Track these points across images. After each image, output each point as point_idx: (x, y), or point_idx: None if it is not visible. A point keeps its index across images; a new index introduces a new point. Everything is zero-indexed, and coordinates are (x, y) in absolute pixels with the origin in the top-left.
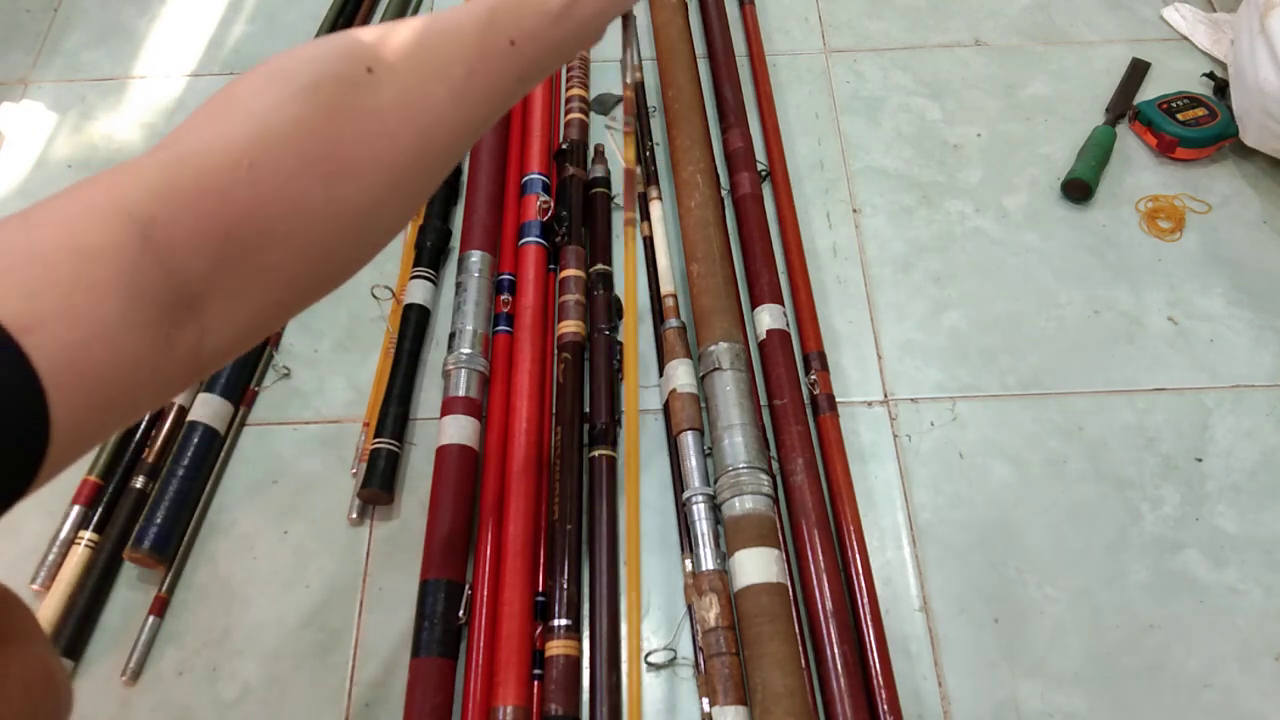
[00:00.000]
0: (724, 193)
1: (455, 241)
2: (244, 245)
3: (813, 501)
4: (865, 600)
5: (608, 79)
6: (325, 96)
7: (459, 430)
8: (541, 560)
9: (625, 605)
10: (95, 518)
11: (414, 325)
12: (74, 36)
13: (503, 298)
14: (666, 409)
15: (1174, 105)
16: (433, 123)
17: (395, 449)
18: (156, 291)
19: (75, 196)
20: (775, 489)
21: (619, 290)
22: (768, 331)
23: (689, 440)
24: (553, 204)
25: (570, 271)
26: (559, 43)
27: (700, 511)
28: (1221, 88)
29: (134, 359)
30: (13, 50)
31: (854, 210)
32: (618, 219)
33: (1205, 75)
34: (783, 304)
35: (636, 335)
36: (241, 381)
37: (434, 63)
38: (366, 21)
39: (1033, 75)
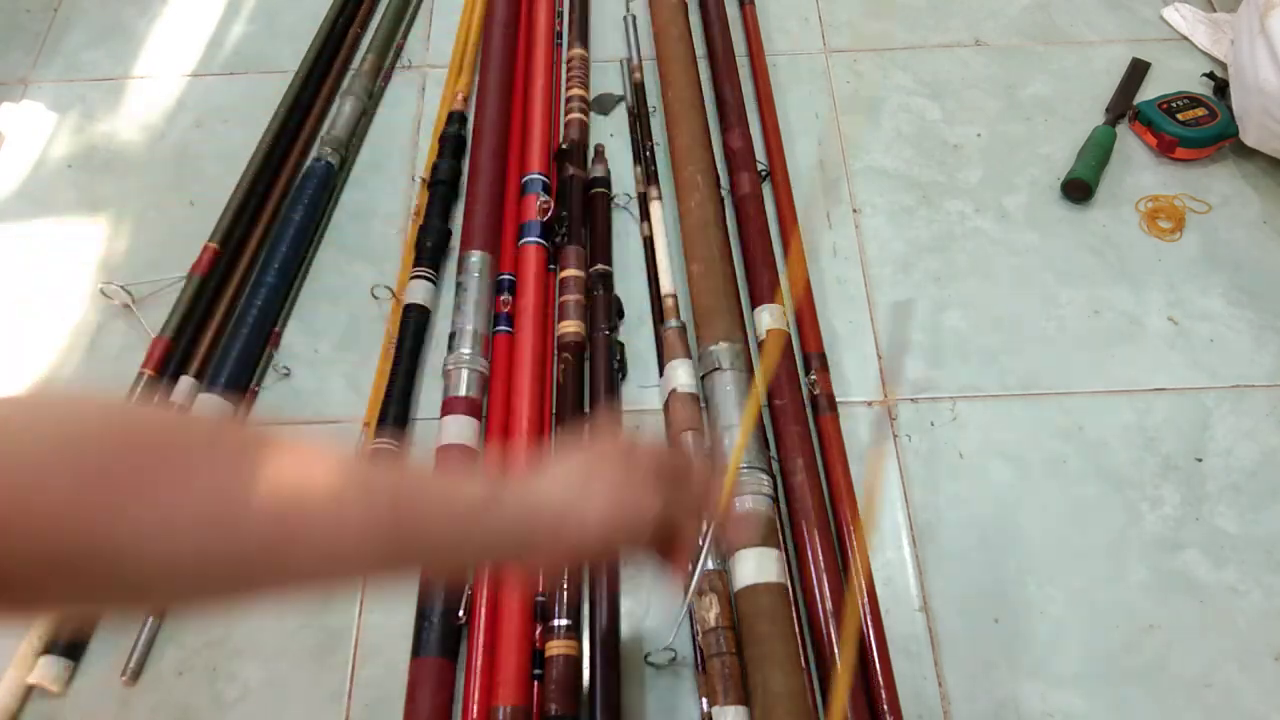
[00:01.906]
0: (724, 193)
1: (455, 241)
2: None
3: (813, 501)
4: (865, 600)
5: (608, 79)
6: (134, 424)
7: (459, 430)
8: None
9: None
10: None
11: (414, 325)
12: (74, 36)
13: (503, 298)
14: (666, 409)
15: (1174, 105)
16: (245, 516)
17: (395, 449)
18: None
19: None
20: (775, 489)
21: None
22: (768, 331)
23: (689, 440)
24: (553, 204)
25: (570, 271)
26: (453, 542)
27: None
28: (1221, 88)
29: None
30: (13, 50)
31: (854, 210)
32: (618, 218)
33: (1205, 75)
34: (783, 304)
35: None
36: (241, 381)
37: (293, 475)
38: (366, 22)
39: (1033, 75)
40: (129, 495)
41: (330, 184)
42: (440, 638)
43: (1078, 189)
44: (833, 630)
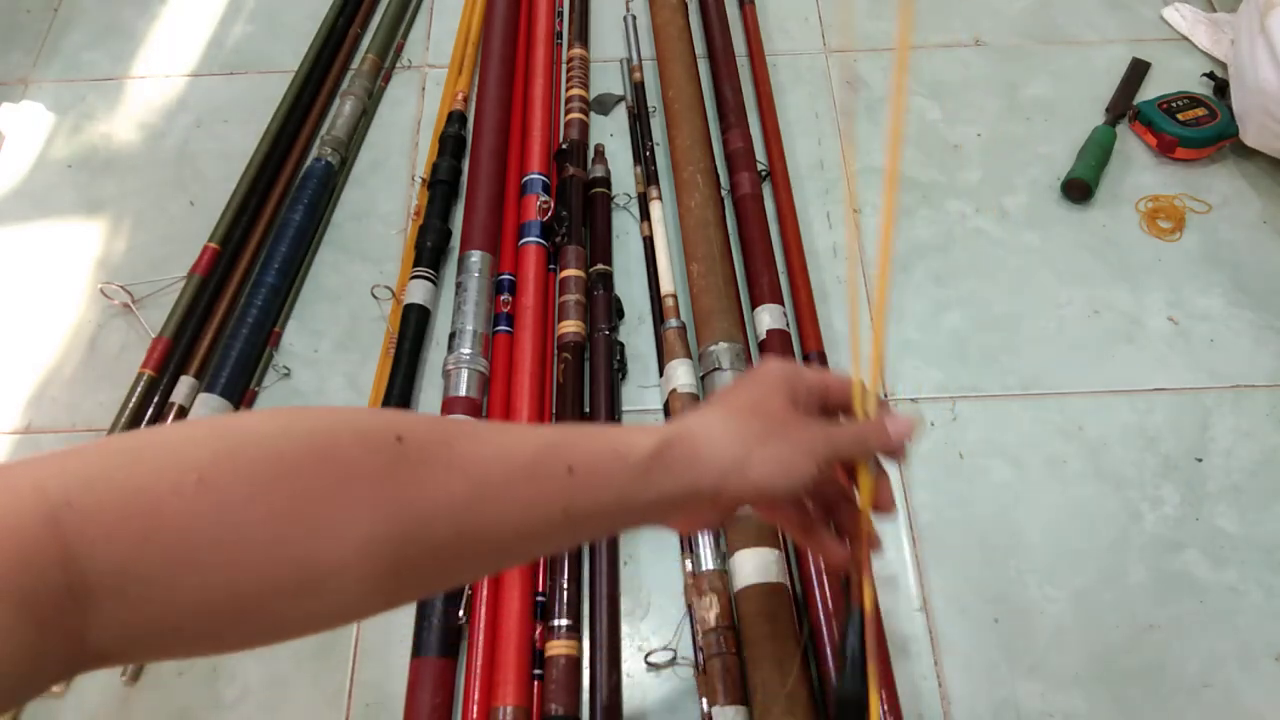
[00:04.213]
0: (724, 193)
1: (455, 241)
2: (160, 557)
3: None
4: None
5: (608, 79)
6: (326, 447)
7: None
8: (541, 560)
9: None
10: None
11: (414, 325)
12: (74, 36)
13: (503, 298)
14: (666, 409)
15: (1174, 105)
16: (435, 516)
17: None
18: (47, 569)
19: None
20: None
21: None
22: (768, 331)
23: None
24: (553, 204)
25: (570, 271)
26: (629, 498)
27: None
28: (1221, 88)
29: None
30: (13, 50)
31: (854, 210)
32: (618, 218)
33: (1205, 75)
34: (783, 304)
35: None
36: (241, 382)
37: (469, 457)
38: (366, 22)
39: (1033, 75)
40: (328, 518)
41: (330, 184)
42: (440, 638)
43: (1078, 189)
44: (833, 630)
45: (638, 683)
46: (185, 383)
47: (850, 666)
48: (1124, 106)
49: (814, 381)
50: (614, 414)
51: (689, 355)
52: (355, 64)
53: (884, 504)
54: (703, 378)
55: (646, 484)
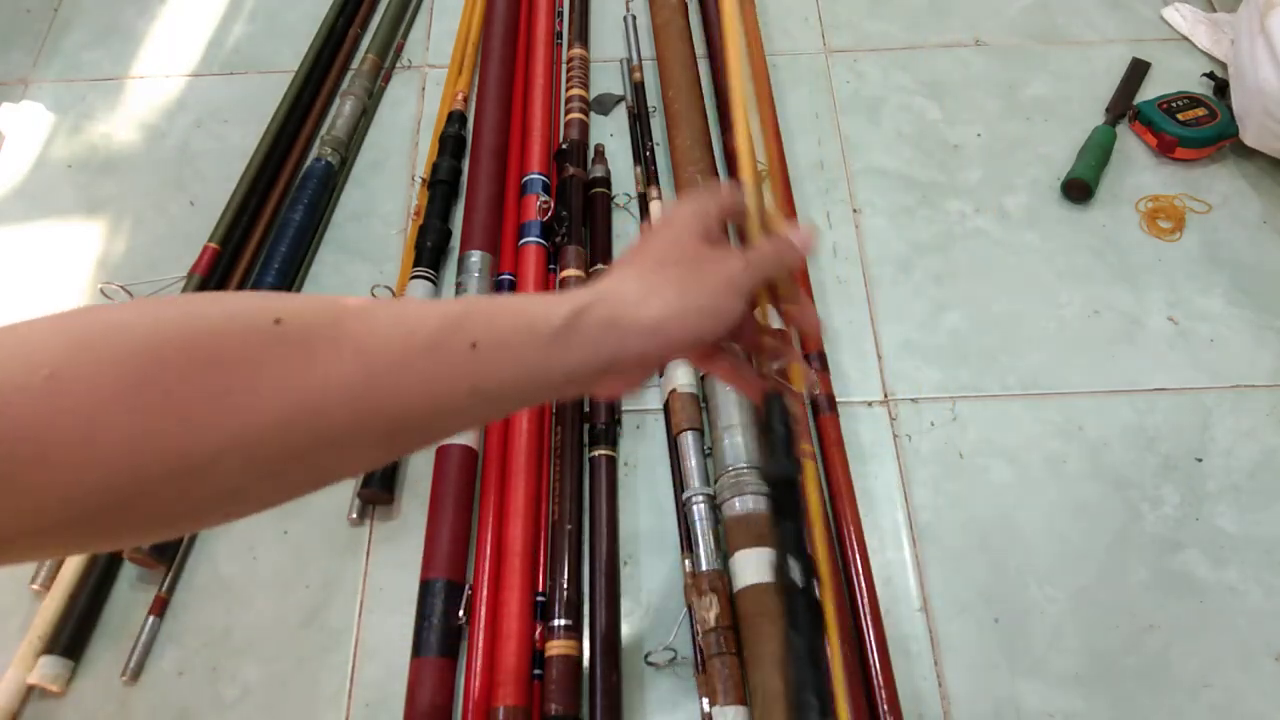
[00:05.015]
0: None
1: (455, 241)
2: (8, 461)
3: (813, 501)
4: (865, 600)
5: (608, 79)
6: (194, 333)
7: None
8: (541, 560)
9: None
10: None
11: None
12: (74, 36)
13: None
14: (666, 409)
15: (1174, 105)
16: (324, 400)
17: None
18: None
19: None
20: None
21: None
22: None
23: (689, 440)
24: (553, 204)
25: (570, 271)
26: (543, 372)
27: (700, 511)
28: (1221, 88)
29: None
30: (13, 50)
31: (854, 210)
32: (618, 218)
33: (1205, 75)
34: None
35: None
36: None
37: (360, 336)
38: (366, 22)
39: (1033, 75)
40: (200, 409)
41: (330, 184)
42: (440, 638)
43: (1078, 189)
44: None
45: (638, 683)
46: None
47: (775, 449)
48: (1124, 106)
49: (725, 207)
50: (614, 415)
51: None
52: (355, 64)
53: (808, 322)
54: (702, 378)
55: (562, 356)
